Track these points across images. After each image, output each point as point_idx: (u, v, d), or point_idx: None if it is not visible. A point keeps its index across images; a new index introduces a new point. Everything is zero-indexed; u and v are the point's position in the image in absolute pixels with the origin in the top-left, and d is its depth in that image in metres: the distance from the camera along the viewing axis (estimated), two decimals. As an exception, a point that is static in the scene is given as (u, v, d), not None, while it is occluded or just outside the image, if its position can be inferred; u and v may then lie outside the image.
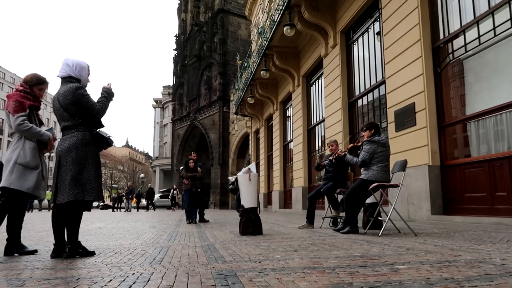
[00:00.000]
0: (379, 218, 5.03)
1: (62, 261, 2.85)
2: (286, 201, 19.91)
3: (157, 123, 59.60)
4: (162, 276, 2.12)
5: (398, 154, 8.79)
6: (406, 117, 8.60)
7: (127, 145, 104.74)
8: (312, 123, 16.16)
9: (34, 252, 3.30)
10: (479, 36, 7.02)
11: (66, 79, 3.13)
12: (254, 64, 19.31)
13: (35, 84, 3.42)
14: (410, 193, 8.10)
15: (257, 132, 27.27)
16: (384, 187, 4.90)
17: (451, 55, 7.81)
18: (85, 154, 3.02)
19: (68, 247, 2.95)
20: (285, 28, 13.50)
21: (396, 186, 4.83)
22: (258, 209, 5.38)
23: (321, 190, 6.30)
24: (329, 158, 6.06)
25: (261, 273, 2.17)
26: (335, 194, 6.26)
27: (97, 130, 3.17)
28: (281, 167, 20.48)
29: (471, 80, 7.48)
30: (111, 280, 2.05)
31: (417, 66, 8.28)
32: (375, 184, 4.79)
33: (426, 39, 8.17)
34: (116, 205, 28.53)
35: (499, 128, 6.67)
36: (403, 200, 8.09)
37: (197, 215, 8.93)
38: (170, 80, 56.49)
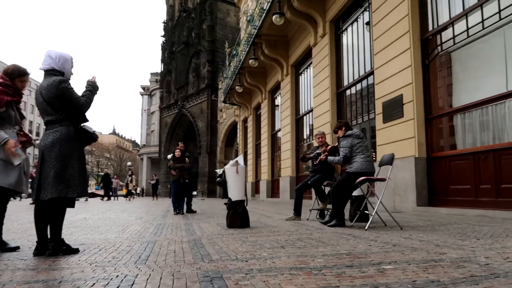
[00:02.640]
0: (366, 211, 5.05)
1: (45, 260, 2.79)
2: (273, 190, 19.99)
3: (145, 110, 58.92)
4: (147, 279, 2.08)
5: (385, 145, 8.87)
6: (393, 109, 8.63)
7: (114, 133, 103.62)
8: (301, 113, 16.15)
9: (16, 248, 3.23)
10: (468, 29, 7.03)
11: (49, 72, 3.02)
12: (243, 52, 19.13)
13: (17, 76, 3.30)
14: (397, 184, 8.18)
15: (245, 120, 27.18)
16: (371, 181, 4.92)
17: (439, 47, 7.82)
18: (69, 150, 2.94)
19: (51, 245, 2.89)
20: (274, 17, 13.36)
21: (383, 180, 4.85)
22: (245, 201, 5.36)
23: (309, 182, 6.30)
24: (315, 153, 6.07)
25: (247, 274, 2.14)
26: (322, 187, 6.27)
27: (82, 124, 3.08)
28: (269, 157, 20.50)
29: (459, 73, 7.52)
30: (94, 284, 2.01)
31: (405, 58, 8.28)
32: (362, 178, 4.80)
33: (415, 31, 8.16)
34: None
35: (485, 120, 6.73)
36: (389, 191, 8.16)
37: (185, 205, 8.89)
38: (158, 67, 55.77)
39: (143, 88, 61.82)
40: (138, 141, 77.62)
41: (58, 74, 3.03)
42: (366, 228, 4.58)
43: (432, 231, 4.35)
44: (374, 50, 9.59)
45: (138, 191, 35.97)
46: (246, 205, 5.39)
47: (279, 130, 18.51)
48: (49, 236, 2.96)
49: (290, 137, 16.51)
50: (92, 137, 3.08)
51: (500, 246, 3.05)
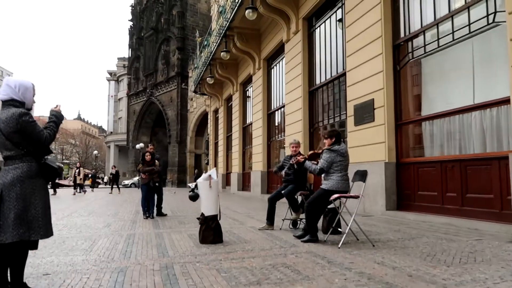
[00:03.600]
0: (339, 229, 5.10)
1: (5, 309, 2.61)
2: (244, 184, 19.99)
3: (112, 96, 57.24)
4: None
5: (356, 148, 8.97)
6: (365, 113, 8.72)
7: (79, 118, 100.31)
8: (272, 108, 16.10)
9: (-27, 289, 3.02)
10: (438, 38, 7.13)
11: (7, 103, 2.79)
12: (214, 44, 18.80)
13: None
14: (367, 188, 8.28)
15: (216, 111, 26.90)
16: (345, 198, 4.95)
17: (410, 54, 7.92)
18: (31, 188, 2.73)
19: (12, 291, 2.71)
20: (246, 11, 13.14)
21: (356, 197, 4.88)
22: (218, 215, 5.27)
23: (282, 192, 6.28)
24: (290, 162, 6.03)
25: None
26: (295, 197, 6.26)
27: (45, 158, 2.87)
28: (240, 149, 20.43)
29: (428, 81, 7.66)
30: None
31: (377, 63, 8.34)
32: (336, 196, 4.82)
33: (387, 36, 8.22)
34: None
35: (452, 130, 6.90)
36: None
37: (155, 209, 8.70)
38: (125, 52, 54.01)
39: (110, 73, 59.98)
40: (105, 127, 75.53)
41: (18, 105, 2.80)
42: (339, 246, 4.61)
43: (403, 249, 4.43)
44: (347, 52, 9.61)
45: (105, 180, 35.04)
46: (219, 219, 5.31)
47: (251, 123, 18.43)
48: (9, 280, 2.77)
49: (262, 131, 16.47)
50: (57, 172, 2.88)
51: (471, 279, 3.12)
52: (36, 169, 2.79)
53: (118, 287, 3.14)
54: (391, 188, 7.98)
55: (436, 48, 7.22)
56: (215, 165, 27.36)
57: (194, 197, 5.47)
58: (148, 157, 8.54)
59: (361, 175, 5.03)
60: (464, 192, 6.43)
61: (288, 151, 6.61)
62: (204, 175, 5.30)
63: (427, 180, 7.26)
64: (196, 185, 5.43)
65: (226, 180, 23.66)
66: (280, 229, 6.30)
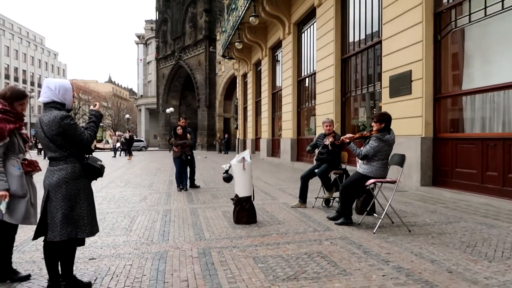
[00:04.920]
0: (375, 214, 5.05)
1: (58, 302, 2.77)
2: (274, 150, 20.04)
3: (141, 60, 57.53)
4: None
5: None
6: (401, 85, 8.38)
7: (110, 81, 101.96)
8: (303, 75, 15.74)
9: (27, 277, 3.21)
10: (486, 7, 6.62)
11: (49, 105, 2.82)
12: (243, 8, 18.26)
13: (15, 100, 3.10)
14: (401, 163, 8.13)
15: (244, 76, 26.63)
16: (382, 183, 4.86)
17: (453, 23, 7.43)
18: (76, 189, 2.81)
19: (63, 284, 2.86)
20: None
21: (393, 182, 4.78)
22: (252, 196, 5.32)
23: (315, 171, 6.24)
24: (327, 143, 5.94)
25: None
26: (329, 176, 6.22)
27: (87, 157, 2.93)
28: (270, 115, 20.31)
29: (472, 52, 7.21)
30: None
31: (416, 32, 7.89)
32: (372, 181, 4.74)
33: (428, 3, 7.71)
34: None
35: (496, 107, 6.55)
36: (393, 168, 8.14)
37: (188, 181, 8.89)
38: (153, 15, 53.54)
39: (138, 36, 59.98)
40: (135, 90, 76.64)
41: (59, 106, 2.83)
42: (374, 231, 4.58)
43: (441, 236, 4.36)
44: (383, 19, 9.12)
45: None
46: (253, 199, 5.36)
47: (280, 89, 18.17)
48: (60, 273, 2.92)
49: (292, 98, 16.24)
50: (99, 172, 2.94)
51: (514, 279, 3.04)
52: (79, 169, 2.86)
53: (160, 277, 3.26)
54: (427, 163, 7.77)
55: (482, 17, 6.72)
56: (244, 129, 27.47)
57: (228, 178, 5.52)
58: (179, 131, 8.63)
59: (399, 160, 4.90)
60: (506, 172, 6.18)
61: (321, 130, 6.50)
62: (237, 157, 5.31)
63: (466, 157, 7.01)
64: (230, 167, 5.46)
65: (256, 146, 23.78)
66: (313, 207, 6.32)
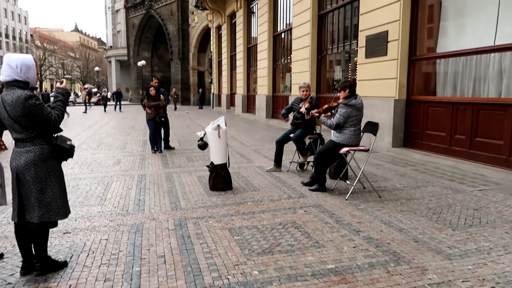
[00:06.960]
0: (347, 182, 5.18)
1: (34, 284, 2.76)
2: (249, 106, 19.94)
3: (109, 8, 54.34)
4: None
5: (365, 81, 8.75)
6: (377, 45, 8.33)
7: (76, 30, 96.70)
8: (279, 30, 15.36)
9: (1, 256, 3.16)
10: (465, -32, 6.50)
11: (11, 83, 2.63)
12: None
13: None
14: (374, 125, 8.27)
15: (219, 28, 25.77)
16: (355, 151, 4.95)
17: (431, -17, 7.29)
18: (46, 171, 2.71)
19: (38, 265, 2.84)
20: None
21: (366, 150, 4.87)
22: (227, 163, 5.33)
23: (290, 136, 6.27)
24: (303, 111, 5.93)
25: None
26: (303, 140, 6.27)
27: (56, 136, 2.80)
28: (245, 71, 19.99)
29: (449, 15, 7.16)
30: None
31: (394, -9, 7.72)
32: (346, 149, 4.81)
33: (407, -40, 7.49)
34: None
35: (468, 71, 6.64)
36: (366, 135, 8.28)
37: (162, 143, 8.79)
38: (119, -43, 49.99)
39: (105, -18, 56.21)
40: (105, 40, 73.22)
41: (22, 85, 2.65)
42: (346, 198, 4.73)
43: (409, 202, 4.55)
44: (362, -25, 8.85)
45: (109, 97, 34.66)
46: (228, 166, 5.38)
47: (255, 44, 17.74)
48: (34, 253, 2.89)
49: (267, 54, 15.95)
50: (69, 152, 2.84)
51: (475, 248, 3.24)
52: (48, 151, 2.74)
53: (137, 252, 3.28)
54: (399, 126, 7.93)
55: (461, -22, 6.62)
56: (219, 84, 27.01)
57: (203, 146, 5.48)
58: (152, 91, 8.38)
59: (372, 128, 4.96)
60: (474, 136, 6.40)
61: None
62: (212, 124, 5.24)
63: (437, 120, 7.18)
64: (204, 134, 5.40)
65: (231, 101, 23.55)
66: (288, 171, 6.42)
